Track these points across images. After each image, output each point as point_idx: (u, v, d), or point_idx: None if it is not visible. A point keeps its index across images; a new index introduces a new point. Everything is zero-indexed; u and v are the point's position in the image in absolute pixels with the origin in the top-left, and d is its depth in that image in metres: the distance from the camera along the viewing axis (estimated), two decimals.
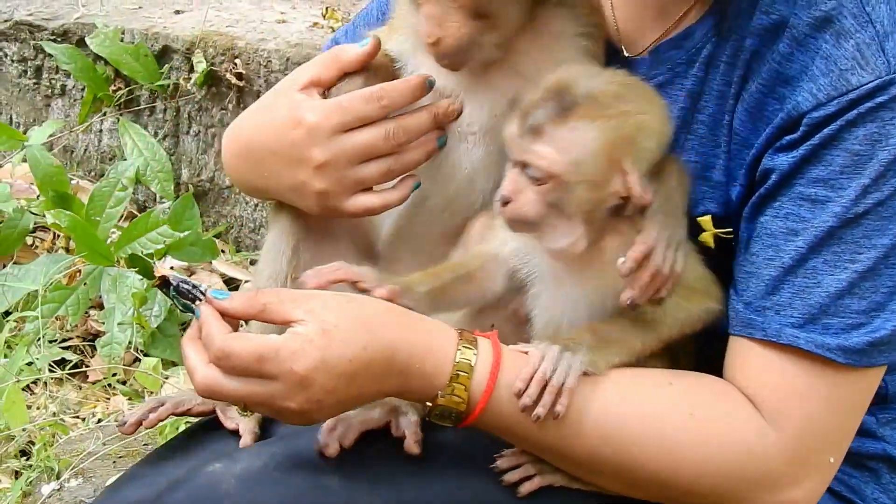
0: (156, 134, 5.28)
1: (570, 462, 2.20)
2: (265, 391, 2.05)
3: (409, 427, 2.25)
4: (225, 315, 2.11)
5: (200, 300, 2.14)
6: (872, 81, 2.09)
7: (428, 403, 2.13)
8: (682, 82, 2.33)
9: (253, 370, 2.04)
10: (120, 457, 3.55)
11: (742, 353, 2.20)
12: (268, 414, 2.16)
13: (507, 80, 2.35)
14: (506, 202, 2.15)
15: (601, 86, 2.15)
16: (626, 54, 2.44)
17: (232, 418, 2.42)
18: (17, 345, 4.32)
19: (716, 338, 2.24)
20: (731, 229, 2.30)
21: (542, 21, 2.34)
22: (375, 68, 2.37)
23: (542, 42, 2.35)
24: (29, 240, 5.02)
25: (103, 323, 4.40)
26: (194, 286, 2.16)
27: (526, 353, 2.15)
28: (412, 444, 2.23)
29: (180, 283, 2.16)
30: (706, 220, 2.32)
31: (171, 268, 2.08)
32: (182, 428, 3.24)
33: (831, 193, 2.12)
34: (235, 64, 5.09)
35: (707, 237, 2.32)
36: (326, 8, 5.49)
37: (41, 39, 5.47)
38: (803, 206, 2.14)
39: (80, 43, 5.37)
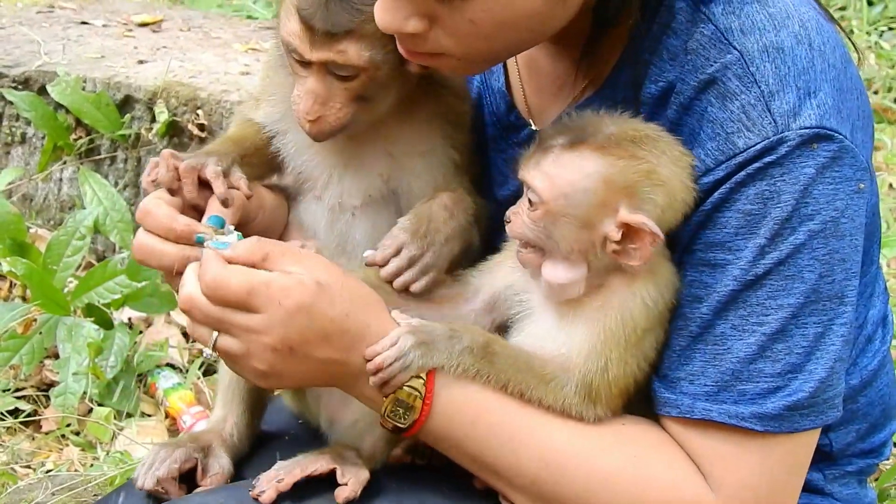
0: (116, 184, 5.25)
1: (513, 487, 2.20)
2: (245, 322, 2.08)
3: (353, 482, 2.25)
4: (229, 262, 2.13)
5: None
6: (760, 143, 2.05)
7: (384, 399, 2.13)
8: None
9: (241, 303, 2.07)
10: None
11: (667, 431, 2.19)
12: (236, 354, 2.12)
13: (377, 160, 2.42)
14: (508, 221, 2.18)
15: (624, 128, 2.12)
16: (534, 127, 2.45)
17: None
18: None
19: None
20: None
21: (410, 106, 2.40)
22: (243, 140, 2.46)
23: (410, 126, 2.41)
24: None
25: (58, 373, 4.35)
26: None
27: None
28: (342, 497, 2.23)
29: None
30: None
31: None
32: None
33: (729, 256, 2.09)
34: (198, 115, 5.08)
35: None
36: None
37: (2, 86, 5.42)
38: (704, 271, 2.12)
39: (42, 91, 5.34)
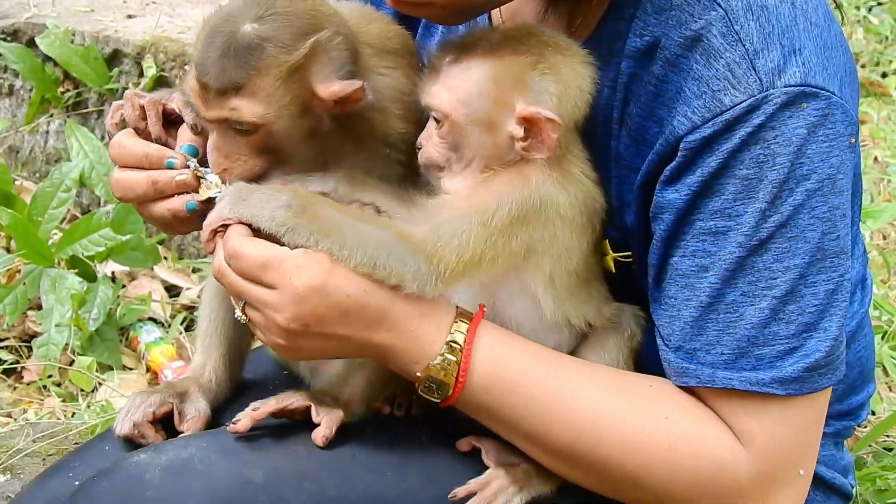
0: (102, 137, 5.22)
1: (547, 452, 2.22)
2: (261, 297, 2.10)
3: (326, 420, 2.26)
4: None
5: None
6: (746, 101, 2.06)
7: (418, 374, 2.15)
8: None
9: (255, 276, 2.09)
10: (50, 454, 3.50)
11: None
12: (258, 324, 2.16)
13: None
14: (419, 149, 2.21)
15: (504, 31, 2.19)
16: None
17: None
18: None
19: None
20: (629, 253, 2.32)
21: (350, 125, 2.34)
22: None
23: (352, 143, 2.36)
24: None
25: (41, 324, 4.35)
26: None
27: None
28: (319, 436, 2.25)
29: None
30: (604, 245, 2.34)
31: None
32: None
33: (730, 223, 2.10)
34: (186, 70, 5.06)
35: (608, 260, 2.35)
36: None
37: None
38: (707, 240, 2.13)
39: (31, 43, 5.33)
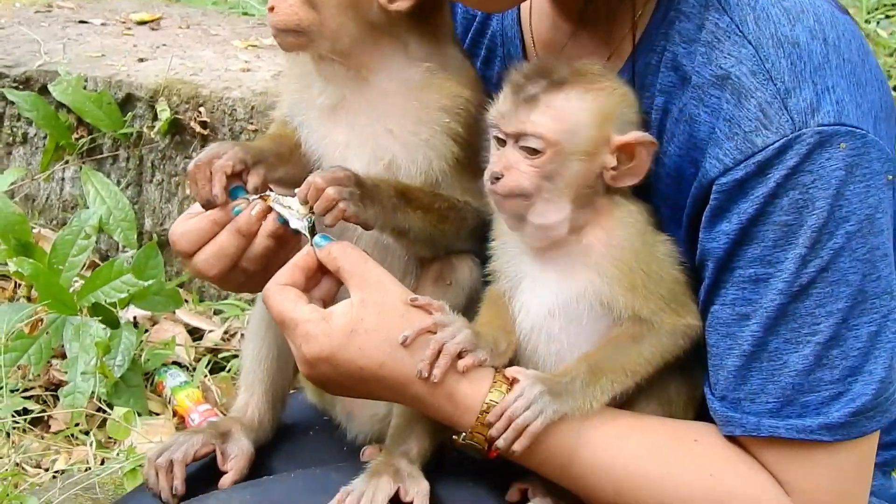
0: (119, 182, 5.24)
1: (590, 500, 2.20)
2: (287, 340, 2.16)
3: (418, 498, 2.23)
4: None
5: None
6: (778, 141, 2.03)
7: (453, 436, 2.15)
8: None
9: (278, 323, 2.15)
10: None
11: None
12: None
13: (379, 138, 2.39)
14: (497, 178, 2.14)
15: (580, 66, 2.18)
16: None
17: None
18: None
19: None
20: None
21: (415, 91, 2.39)
22: (279, 137, 2.50)
23: (414, 112, 2.38)
24: None
25: (66, 372, 4.34)
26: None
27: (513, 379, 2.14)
28: None
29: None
30: None
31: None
32: None
33: (771, 270, 2.08)
34: (200, 112, 5.07)
35: None
36: None
37: (3, 87, 5.41)
38: (747, 288, 2.11)
39: (43, 90, 5.33)
